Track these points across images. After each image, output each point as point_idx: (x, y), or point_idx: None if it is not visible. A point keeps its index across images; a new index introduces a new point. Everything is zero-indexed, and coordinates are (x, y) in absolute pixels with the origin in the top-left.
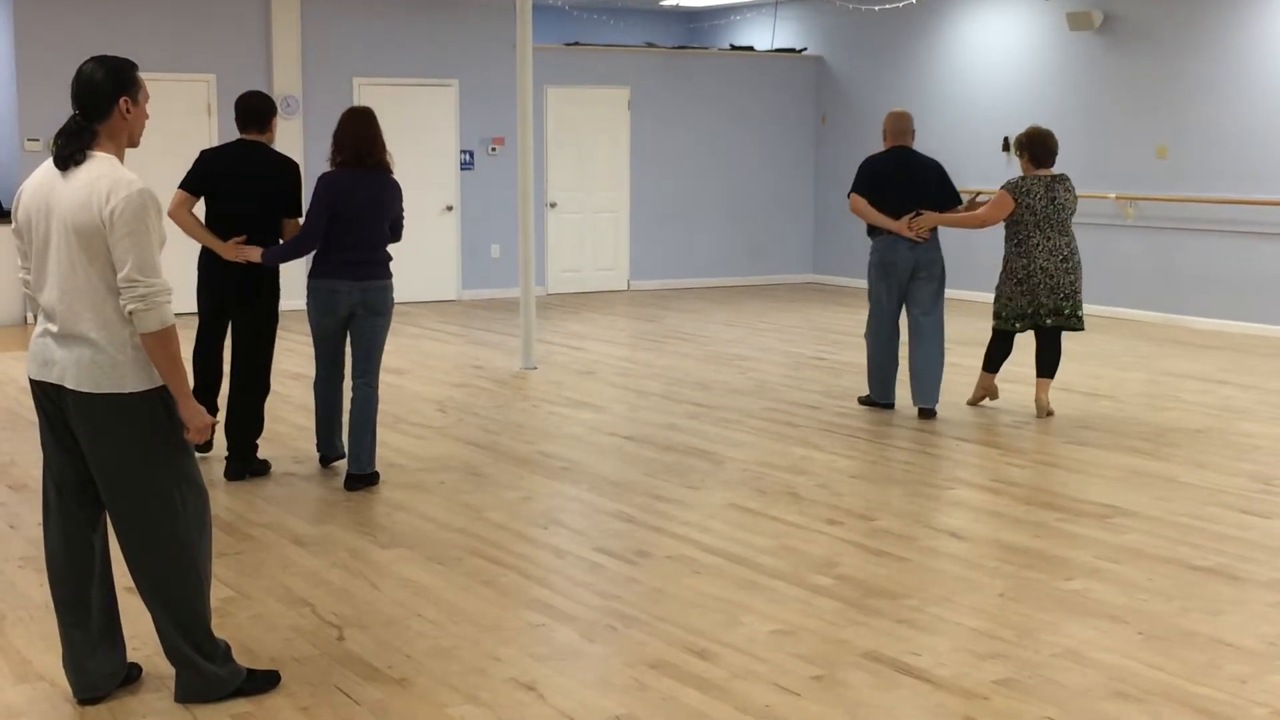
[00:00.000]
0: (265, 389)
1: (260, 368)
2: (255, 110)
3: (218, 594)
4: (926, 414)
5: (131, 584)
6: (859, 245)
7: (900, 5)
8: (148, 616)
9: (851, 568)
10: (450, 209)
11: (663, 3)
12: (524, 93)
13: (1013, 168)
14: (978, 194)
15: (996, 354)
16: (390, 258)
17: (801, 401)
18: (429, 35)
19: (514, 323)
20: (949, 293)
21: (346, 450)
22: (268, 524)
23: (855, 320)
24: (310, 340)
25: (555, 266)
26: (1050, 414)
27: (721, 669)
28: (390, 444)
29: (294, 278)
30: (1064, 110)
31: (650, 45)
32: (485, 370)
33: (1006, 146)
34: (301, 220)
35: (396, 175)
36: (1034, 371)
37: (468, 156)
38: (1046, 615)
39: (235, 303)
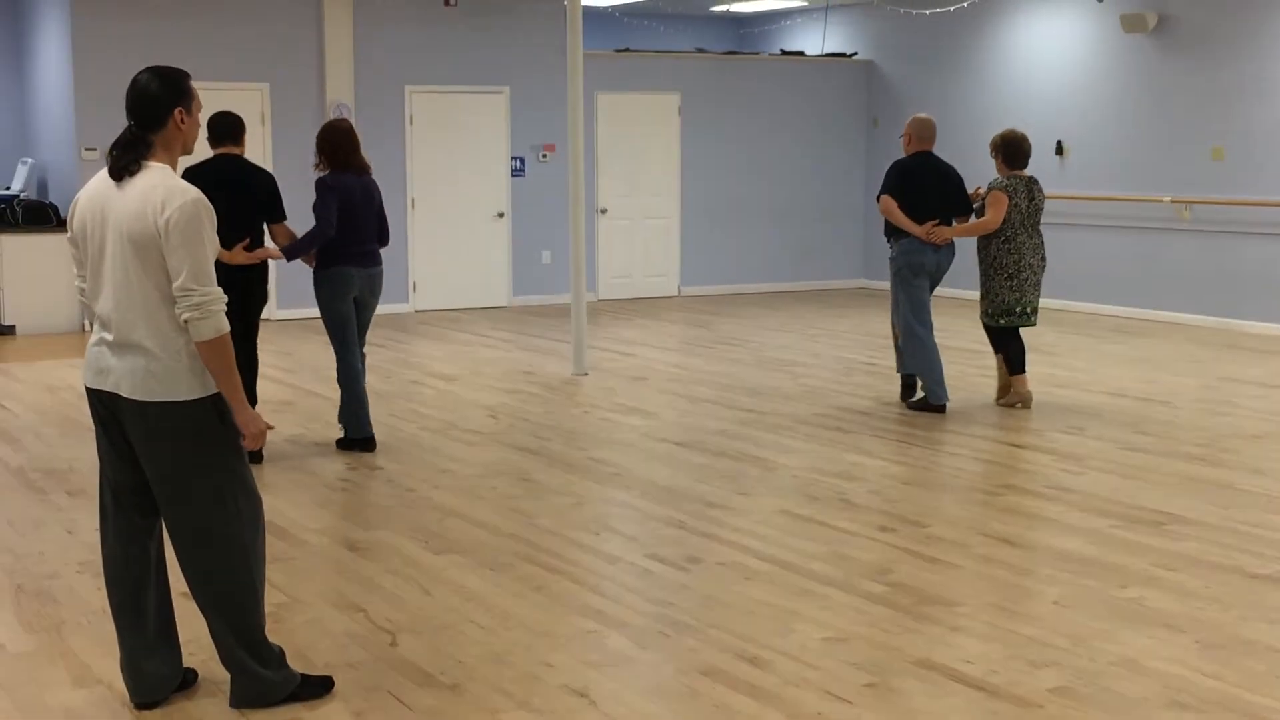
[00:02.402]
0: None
1: (254, 346)
2: (231, 126)
3: (271, 599)
4: (940, 410)
5: (187, 589)
6: None
7: (952, 9)
8: (203, 621)
9: (904, 575)
10: (501, 215)
11: (713, 8)
12: (574, 99)
13: (1066, 170)
14: (978, 188)
15: (1012, 353)
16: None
17: (853, 407)
18: (480, 43)
19: (565, 329)
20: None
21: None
22: (321, 529)
23: None
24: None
25: (606, 272)
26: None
27: (773, 676)
28: (442, 450)
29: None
30: (1118, 113)
31: (700, 51)
32: (536, 376)
33: (1060, 150)
34: (287, 223)
35: (446, 182)
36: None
37: (519, 163)
38: (1102, 623)
39: (257, 296)
